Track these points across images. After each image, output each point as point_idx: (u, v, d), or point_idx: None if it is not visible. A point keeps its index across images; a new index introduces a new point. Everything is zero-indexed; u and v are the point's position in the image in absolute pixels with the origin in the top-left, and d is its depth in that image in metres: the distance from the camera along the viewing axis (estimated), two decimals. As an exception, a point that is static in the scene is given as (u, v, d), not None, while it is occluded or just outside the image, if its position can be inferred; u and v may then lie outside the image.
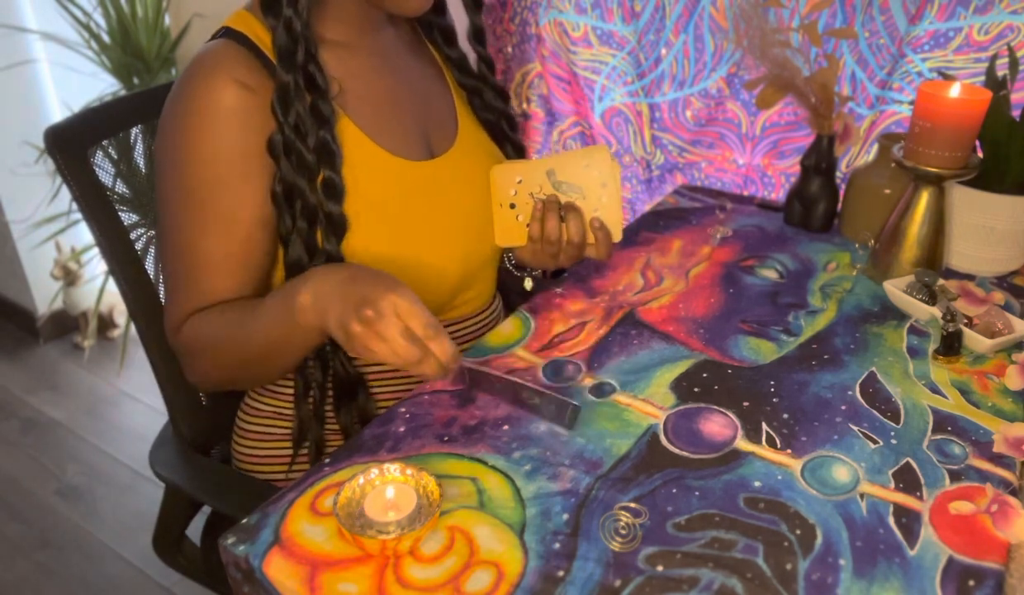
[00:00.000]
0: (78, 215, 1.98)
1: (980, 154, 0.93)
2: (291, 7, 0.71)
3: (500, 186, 0.85)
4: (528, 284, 0.93)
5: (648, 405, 0.72)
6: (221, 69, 0.71)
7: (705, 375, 0.77)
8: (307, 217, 0.74)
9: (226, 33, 0.75)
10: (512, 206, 0.85)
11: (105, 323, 2.24)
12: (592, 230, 0.82)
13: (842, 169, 1.29)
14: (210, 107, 0.71)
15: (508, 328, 0.85)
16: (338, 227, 0.75)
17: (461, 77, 0.92)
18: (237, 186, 0.73)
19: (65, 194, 1.96)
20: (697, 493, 0.62)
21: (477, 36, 0.90)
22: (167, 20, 1.92)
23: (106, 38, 1.93)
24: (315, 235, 0.75)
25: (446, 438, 0.68)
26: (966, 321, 0.82)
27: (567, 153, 0.83)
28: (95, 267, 2.18)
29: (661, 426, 0.69)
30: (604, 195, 0.82)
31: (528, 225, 0.84)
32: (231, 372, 0.77)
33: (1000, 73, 0.95)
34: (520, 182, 0.83)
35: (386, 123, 0.80)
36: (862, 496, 0.62)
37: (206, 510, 0.93)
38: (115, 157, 0.87)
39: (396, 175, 0.79)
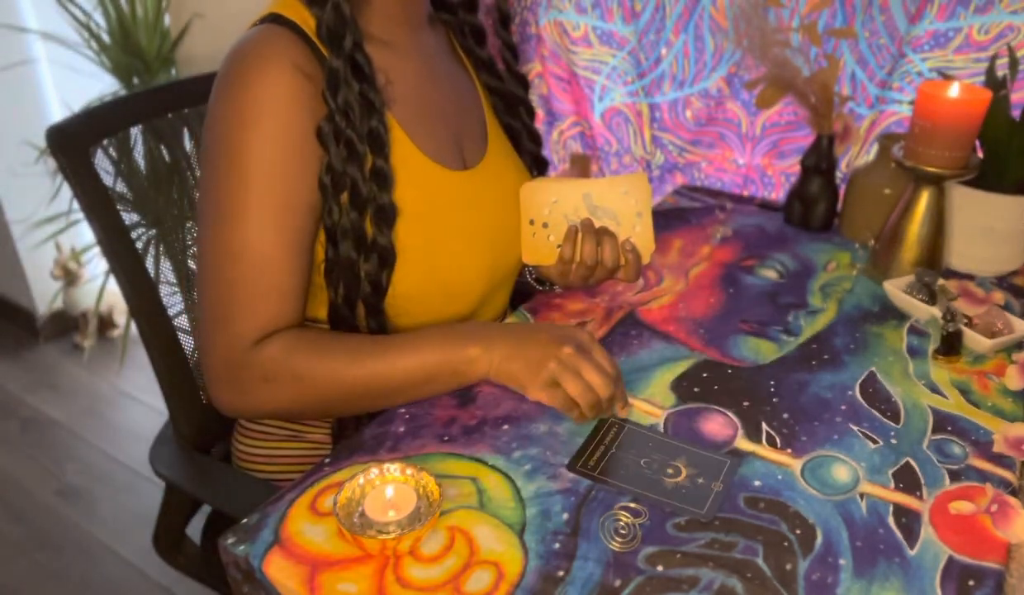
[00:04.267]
0: (78, 215, 1.98)
1: (980, 154, 0.93)
2: None
3: (533, 203, 0.83)
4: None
5: (648, 405, 0.72)
6: (278, 53, 0.69)
7: (705, 375, 0.77)
8: (357, 206, 0.72)
9: (272, 19, 0.73)
10: (544, 225, 0.83)
11: (105, 323, 2.24)
12: (623, 252, 0.81)
13: (842, 169, 1.29)
14: (268, 91, 0.68)
15: (508, 328, 0.85)
16: (388, 216, 0.73)
17: (489, 79, 0.91)
18: (296, 174, 0.70)
19: (65, 194, 1.97)
20: (697, 493, 0.62)
21: (504, 22, 0.90)
22: (167, 20, 1.92)
23: (106, 38, 1.93)
24: (364, 226, 0.73)
25: (446, 438, 0.68)
26: (966, 321, 0.82)
27: (605, 179, 0.82)
28: (95, 267, 2.18)
29: (661, 425, 0.69)
30: (639, 224, 0.81)
31: (560, 246, 0.83)
32: (314, 406, 0.72)
33: (1000, 73, 0.95)
34: (555, 202, 0.82)
35: (426, 127, 0.79)
36: (862, 496, 0.62)
37: (206, 510, 0.93)
38: (115, 157, 0.86)
39: (434, 182, 0.78)
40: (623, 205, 0.81)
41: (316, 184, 0.72)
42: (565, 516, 0.59)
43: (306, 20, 0.73)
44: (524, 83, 0.93)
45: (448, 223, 0.78)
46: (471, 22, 0.90)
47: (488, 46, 0.91)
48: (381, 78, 0.75)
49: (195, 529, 0.93)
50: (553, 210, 0.83)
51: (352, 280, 0.74)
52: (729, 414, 0.71)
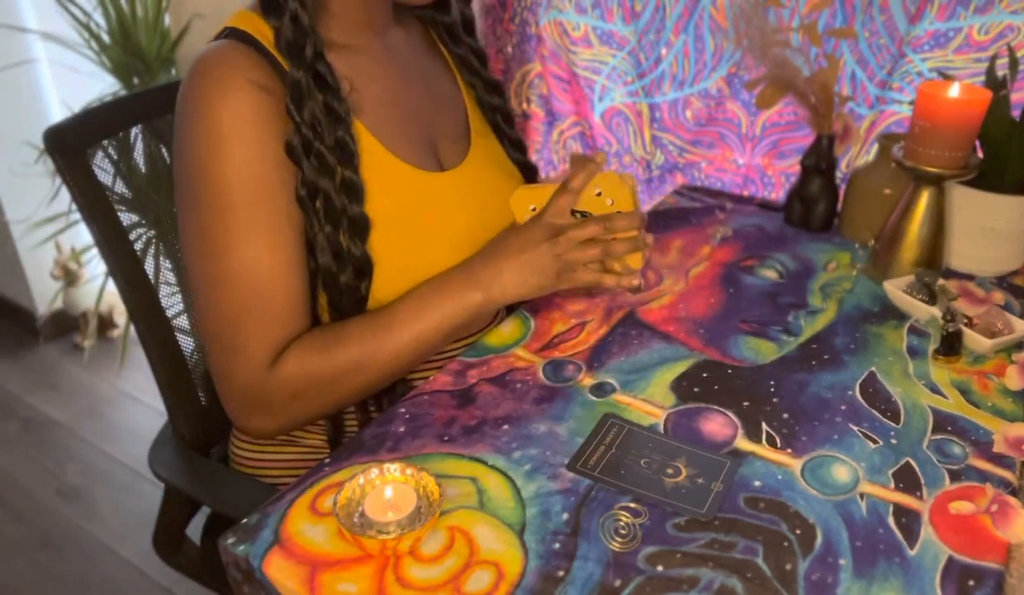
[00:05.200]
0: (78, 215, 1.98)
1: (980, 154, 0.93)
2: (296, 0, 0.69)
3: (518, 211, 0.82)
4: None
5: (648, 405, 0.72)
6: (235, 72, 0.67)
7: (705, 375, 0.77)
8: (331, 220, 0.72)
9: (230, 34, 0.71)
10: None
11: (105, 323, 2.24)
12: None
13: (842, 169, 1.29)
14: (233, 114, 0.67)
15: (508, 328, 0.85)
16: (361, 228, 0.73)
17: (470, 77, 0.90)
18: (276, 192, 0.69)
19: (65, 194, 1.95)
20: (697, 493, 0.62)
21: (467, 28, 0.89)
22: (167, 20, 1.92)
23: (106, 38, 1.93)
24: (339, 238, 0.72)
25: (446, 438, 0.68)
26: (966, 321, 0.82)
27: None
28: (95, 267, 2.18)
29: (661, 425, 0.69)
30: None
31: None
32: (347, 398, 0.74)
33: (1000, 73, 0.95)
34: (534, 210, 0.80)
35: (398, 130, 0.78)
36: (862, 496, 0.62)
37: (206, 510, 0.93)
38: (115, 157, 0.86)
39: (409, 186, 0.77)
40: (600, 206, 0.78)
41: (295, 198, 0.71)
42: (565, 516, 0.59)
43: (263, 32, 0.71)
44: (498, 90, 0.92)
45: (426, 227, 0.77)
46: (443, 21, 0.89)
47: (465, 42, 0.90)
48: (346, 86, 0.74)
49: (195, 529, 0.93)
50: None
51: (334, 290, 0.74)
52: (729, 414, 0.71)
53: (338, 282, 0.74)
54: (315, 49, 0.71)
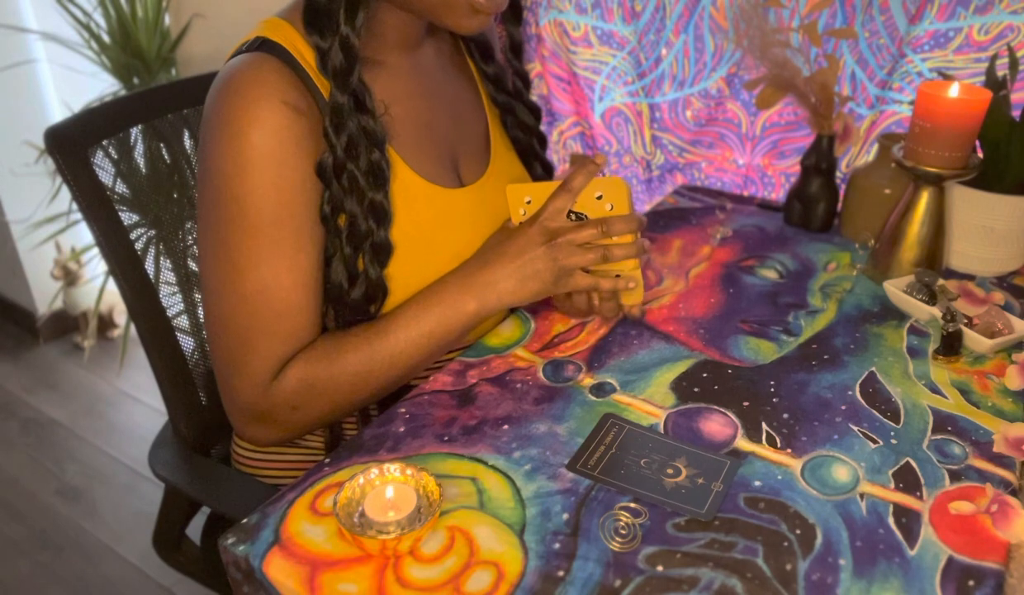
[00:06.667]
0: (78, 215, 1.98)
1: (980, 154, 0.93)
2: (349, 24, 0.67)
3: (512, 205, 0.81)
4: None
5: (648, 405, 0.72)
6: (268, 92, 0.66)
7: (705, 375, 0.77)
8: (354, 242, 0.71)
9: (262, 44, 0.69)
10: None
11: (105, 323, 2.24)
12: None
13: (842, 169, 1.29)
14: (263, 137, 0.65)
15: (508, 328, 0.85)
16: (383, 254, 0.72)
17: (496, 93, 0.89)
18: (301, 213, 0.69)
19: (65, 194, 1.97)
20: (697, 493, 0.62)
21: (515, 50, 0.88)
22: (167, 20, 1.92)
23: (106, 38, 1.93)
24: (357, 259, 0.72)
25: (446, 438, 0.68)
26: (966, 321, 0.82)
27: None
28: (95, 267, 2.18)
29: (661, 426, 0.69)
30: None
31: None
32: (346, 408, 0.74)
33: (1000, 73, 0.95)
34: (529, 202, 0.80)
35: (419, 147, 0.77)
36: (862, 496, 0.62)
37: (206, 510, 0.93)
38: (115, 157, 0.87)
39: (429, 203, 0.76)
40: (598, 209, 0.78)
41: (319, 217, 0.71)
42: (565, 516, 0.59)
43: (296, 46, 0.70)
44: (538, 114, 0.91)
45: (441, 245, 0.77)
46: (477, 39, 0.88)
47: (496, 60, 0.89)
48: (380, 107, 0.73)
49: (195, 529, 0.93)
50: (527, 211, 0.80)
51: (340, 306, 0.74)
52: (729, 414, 0.71)
53: (346, 299, 0.73)
54: (359, 73, 0.69)
